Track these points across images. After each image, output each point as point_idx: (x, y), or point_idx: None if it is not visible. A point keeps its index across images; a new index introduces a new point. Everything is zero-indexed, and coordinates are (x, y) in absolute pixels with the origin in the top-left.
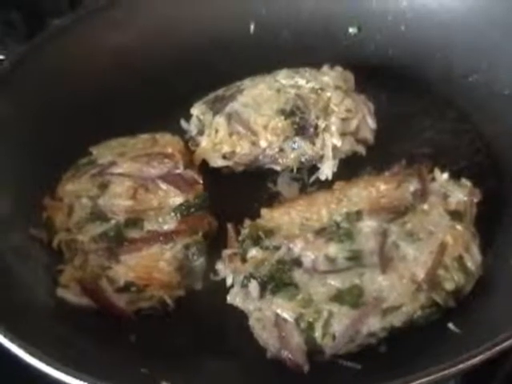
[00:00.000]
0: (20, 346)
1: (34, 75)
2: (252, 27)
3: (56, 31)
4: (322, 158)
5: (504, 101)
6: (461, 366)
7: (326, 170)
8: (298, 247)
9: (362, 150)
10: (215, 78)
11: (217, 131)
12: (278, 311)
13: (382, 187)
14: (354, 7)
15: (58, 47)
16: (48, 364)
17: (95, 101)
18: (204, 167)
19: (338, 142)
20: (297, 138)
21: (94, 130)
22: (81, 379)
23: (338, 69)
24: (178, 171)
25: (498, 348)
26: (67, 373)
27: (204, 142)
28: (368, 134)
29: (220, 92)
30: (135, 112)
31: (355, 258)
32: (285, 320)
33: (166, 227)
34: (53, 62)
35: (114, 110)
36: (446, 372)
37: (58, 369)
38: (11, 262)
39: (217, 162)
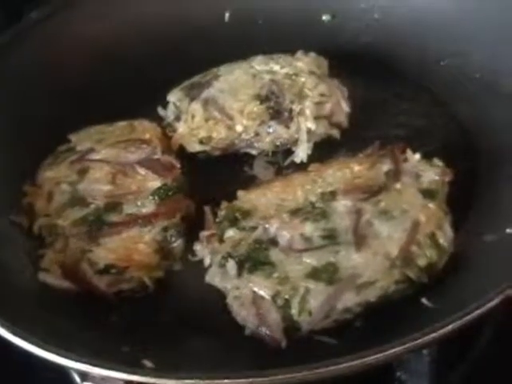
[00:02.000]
0: (3, 325)
1: (11, 65)
2: (227, 15)
3: (33, 22)
4: (296, 141)
5: (475, 84)
6: (433, 334)
7: (301, 153)
8: (274, 227)
9: (336, 133)
10: (191, 66)
11: (193, 117)
12: (256, 289)
13: (356, 168)
14: None
15: (36, 38)
16: (30, 342)
17: (73, 89)
18: (181, 152)
19: (312, 125)
20: (272, 123)
21: (73, 118)
22: (63, 357)
23: (312, 55)
24: (155, 156)
25: (468, 317)
26: (50, 351)
27: (181, 127)
28: (342, 118)
29: (196, 78)
30: (113, 100)
31: (330, 237)
32: (262, 297)
33: (144, 210)
34: (31, 52)
35: (92, 98)
36: (420, 341)
37: (41, 347)
38: None
39: (194, 147)
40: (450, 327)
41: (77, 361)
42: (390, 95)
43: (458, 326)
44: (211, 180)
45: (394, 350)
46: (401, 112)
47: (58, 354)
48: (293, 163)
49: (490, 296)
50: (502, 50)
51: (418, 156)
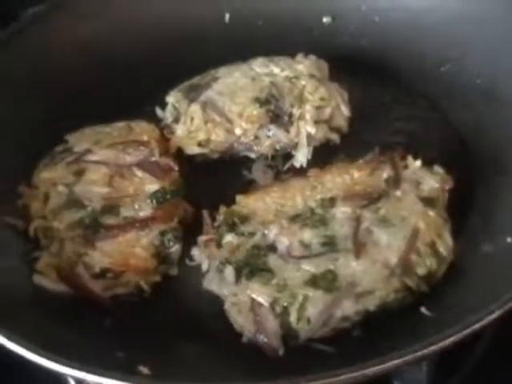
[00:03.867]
0: None
1: (6, 65)
2: (227, 17)
3: (28, 21)
4: (296, 145)
5: (474, 90)
6: (432, 347)
7: (301, 158)
8: (272, 233)
9: (335, 137)
10: (191, 67)
11: (192, 119)
12: (254, 296)
13: (356, 174)
14: None
15: (31, 37)
16: (24, 347)
17: (70, 89)
18: (179, 155)
19: (312, 129)
20: (271, 126)
21: (70, 119)
22: (56, 362)
23: (312, 57)
24: (153, 158)
25: (468, 330)
26: (43, 356)
27: (179, 129)
28: (342, 122)
29: (195, 80)
30: (111, 100)
31: (329, 244)
32: (260, 304)
33: (142, 214)
34: (26, 51)
35: (90, 99)
36: (419, 353)
37: (34, 351)
38: None
39: (192, 149)
40: (450, 340)
41: (70, 367)
42: (388, 99)
43: (458, 339)
44: (209, 183)
45: (393, 362)
46: (399, 117)
47: (50, 360)
48: (292, 167)
49: (491, 308)
50: (500, 56)
51: (418, 163)
